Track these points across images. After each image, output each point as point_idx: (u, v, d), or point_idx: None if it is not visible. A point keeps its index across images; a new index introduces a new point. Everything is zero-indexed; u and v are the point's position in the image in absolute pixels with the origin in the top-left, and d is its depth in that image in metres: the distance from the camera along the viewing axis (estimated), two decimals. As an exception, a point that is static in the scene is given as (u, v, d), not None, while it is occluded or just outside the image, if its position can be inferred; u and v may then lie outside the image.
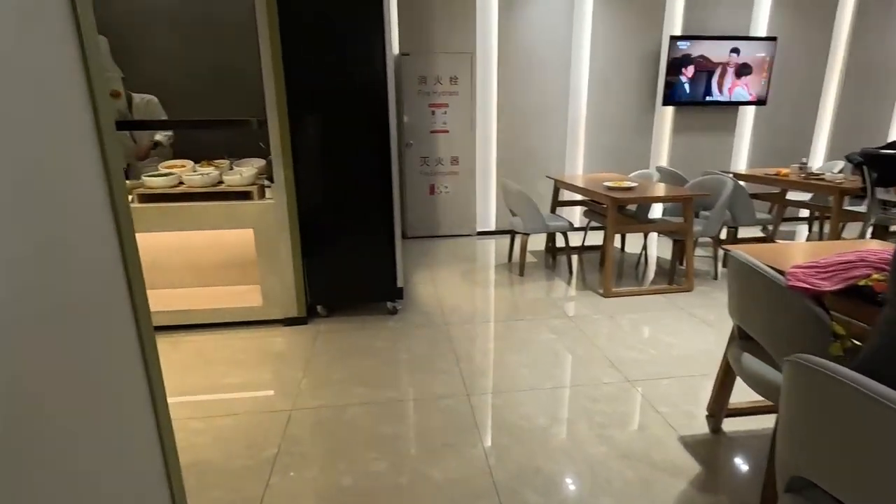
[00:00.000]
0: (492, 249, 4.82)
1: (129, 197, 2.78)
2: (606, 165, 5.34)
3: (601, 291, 3.53)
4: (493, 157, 5.22)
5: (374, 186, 2.93)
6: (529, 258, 4.38)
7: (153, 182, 2.81)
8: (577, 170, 5.39)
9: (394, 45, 4.79)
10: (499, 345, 2.76)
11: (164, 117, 3.76)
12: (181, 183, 2.91)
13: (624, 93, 5.22)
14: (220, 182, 2.93)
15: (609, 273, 3.44)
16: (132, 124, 3.38)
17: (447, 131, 5.01)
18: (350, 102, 2.80)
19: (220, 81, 4.15)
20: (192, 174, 2.87)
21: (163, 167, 3.06)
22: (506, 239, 4.80)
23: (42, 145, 0.85)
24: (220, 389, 2.32)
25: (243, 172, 2.93)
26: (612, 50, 5.08)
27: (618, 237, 4.60)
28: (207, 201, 2.83)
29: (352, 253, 3.01)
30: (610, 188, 3.55)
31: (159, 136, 3.71)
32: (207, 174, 2.87)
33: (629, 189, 3.54)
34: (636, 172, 4.55)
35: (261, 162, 3.18)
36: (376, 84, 2.79)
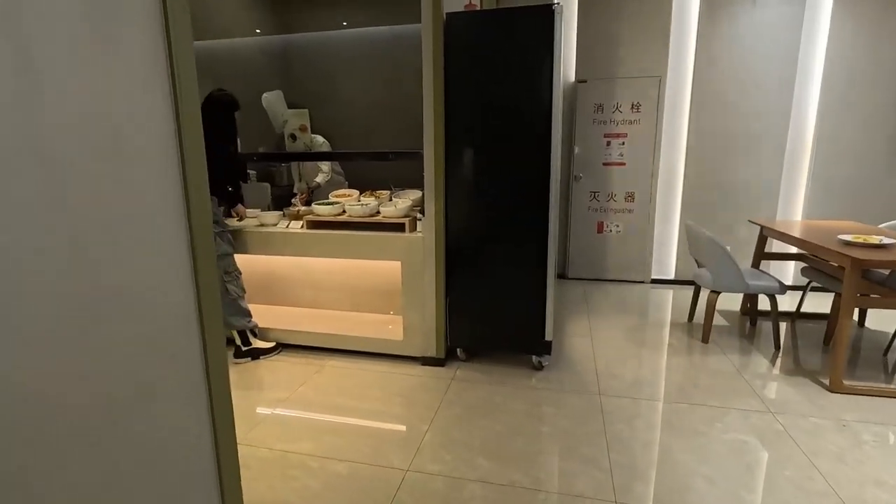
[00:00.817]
0: (668, 302, 4.08)
1: (300, 223, 2.99)
2: (842, 210, 4.12)
3: (826, 382, 2.60)
4: (679, 193, 4.47)
5: (527, 225, 2.64)
6: (718, 320, 3.55)
7: (320, 210, 2.98)
8: (796, 214, 4.28)
9: (569, 72, 4.48)
10: (667, 436, 2.17)
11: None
12: (344, 212, 3.04)
13: (876, 114, 3.98)
14: (378, 213, 2.97)
15: (840, 357, 2.51)
16: (310, 155, 3.72)
17: (623, 164, 4.46)
18: (509, 134, 2.58)
19: (395, 117, 4.38)
20: (354, 204, 2.97)
21: (332, 196, 3.25)
22: (688, 291, 4.01)
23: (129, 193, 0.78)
24: (345, 425, 2.25)
25: (398, 204, 2.93)
26: (861, 61, 3.93)
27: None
28: (365, 231, 2.89)
29: (497, 295, 2.75)
30: (849, 244, 2.63)
31: (319, 177, 4.04)
32: (367, 205, 2.94)
33: (882, 247, 2.57)
34: (891, 223, 3.36)
35: (419, 194, 3.17)
36: (539, 115, 2.52)
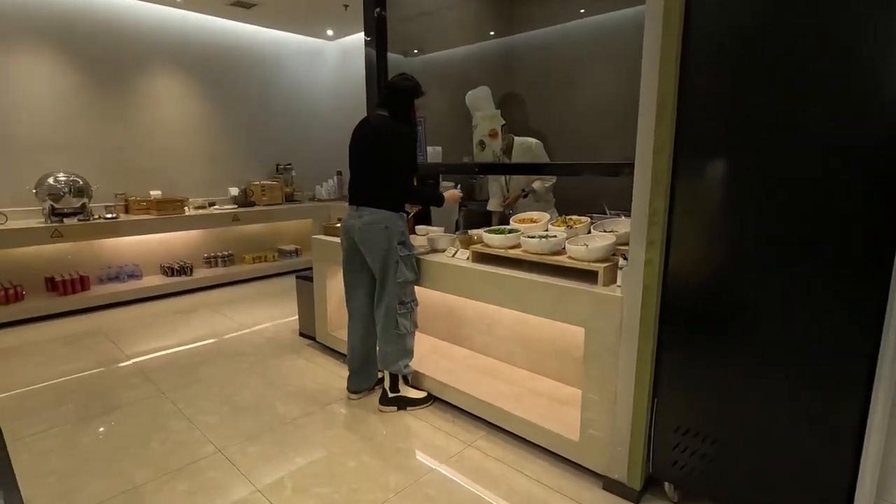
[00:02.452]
0: None
1: (466, 254, 2.37)
2: None
3: None
4: None
5: (830, 297, 1.38)
6: None
7: (490, 239, 2.29)
8: None
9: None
10: None
11: (546, 161, 3.31)
12: (520, 244, 2.27)
13: None
14: (564, 250, 2.10)
15: None
16: (498, 168, 3.05)
17: None
18: (809, 136, 1.37)
19: (630, 121, 3.36)
20: (531, 236, 2.17)
21: (514, 220, 2.52)
22: None
23: None
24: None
25: (591, 241, 2.00)
26: None
27: None
28: (541, 274, 2.07)
29: (750, 410, 1.56)
30: None
31: (537, 183, 3.28)
32: (547, 238, 2.10)
33: None
34: None
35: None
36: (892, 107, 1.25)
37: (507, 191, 3.42)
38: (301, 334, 3.54)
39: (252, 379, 2.86)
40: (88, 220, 4.15)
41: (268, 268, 5.37)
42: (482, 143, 2.83)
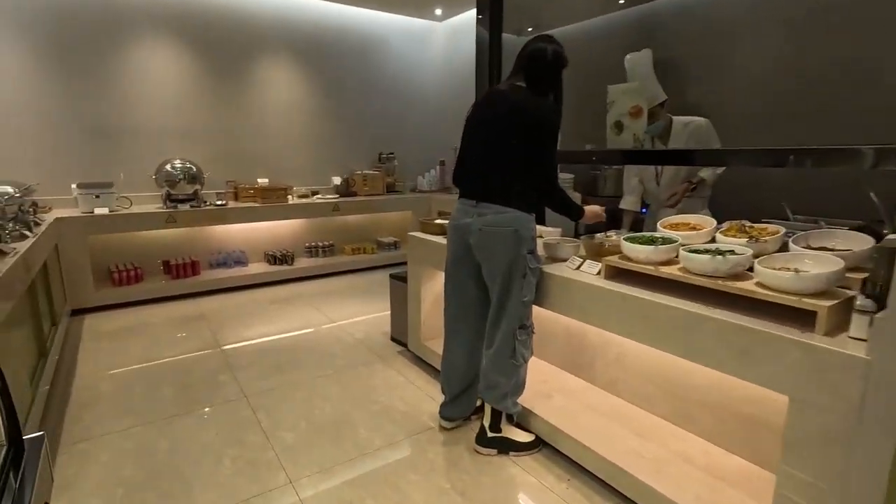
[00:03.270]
0: None
1: (596, 268, 1.81)
2: None
3: None
4: None
5: None
6: None
7: (632, 250, 1.70)
8: None
9: None
10: None
11: (717, 146, 2.58)
12: (677, 257, 1.66)
13: None
14: (751, 271, 1.46)
15: None
16: (637, 155, 2.39)
17: None
18: None
19: (829, 96, 2.52)
20: (698, 249, 1.55)
21: (664, 226, 1.90)
22: None
23: None
24: None
25: (799, 264, 1.34)
26: None
27: None
28: (713, 306, 1.46)
29: None
30: None
31: (705, 172, 2.58)
32: (724, 255, 1.47)
33: None
34: None
35: (866, 242, 1.46)
36: None
37: (658, 183, 2.72)
38: (392, 339, 3.23)
39: (336, 388, 2.58)
40: (200, 206, 4.23)
41: (366, 260, 5.20)
42: (619, 125, 2.23)
